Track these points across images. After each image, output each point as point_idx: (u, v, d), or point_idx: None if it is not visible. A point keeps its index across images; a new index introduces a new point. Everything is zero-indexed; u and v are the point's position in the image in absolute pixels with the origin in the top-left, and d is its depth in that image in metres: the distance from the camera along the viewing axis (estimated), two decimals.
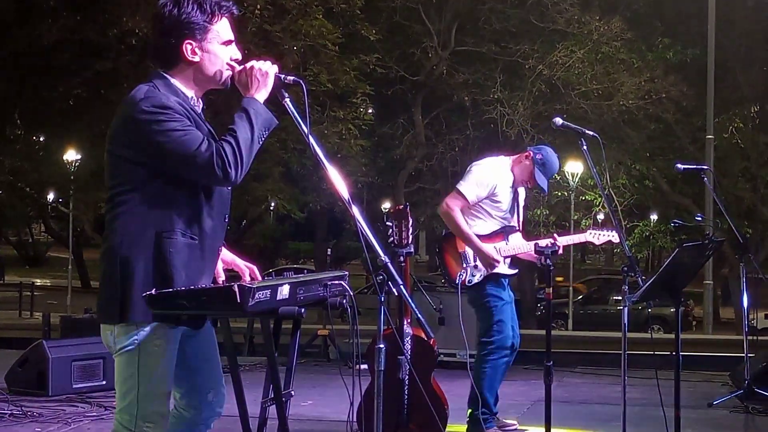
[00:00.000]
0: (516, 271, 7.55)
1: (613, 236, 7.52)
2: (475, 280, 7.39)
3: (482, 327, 7.56)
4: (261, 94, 4.04)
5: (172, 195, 3.95)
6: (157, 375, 4.00)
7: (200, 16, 4.04)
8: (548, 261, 6.51)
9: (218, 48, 4.10)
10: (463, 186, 7.43)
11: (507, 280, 7.54)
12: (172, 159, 3.88)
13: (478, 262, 7.33)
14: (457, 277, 7.32)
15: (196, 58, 4.06)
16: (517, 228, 7.59)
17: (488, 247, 7.28)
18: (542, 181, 7.50)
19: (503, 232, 7.46)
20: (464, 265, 7.33)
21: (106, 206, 4.07)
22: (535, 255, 6.82)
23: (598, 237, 7.61)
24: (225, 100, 4.26)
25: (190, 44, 4.05)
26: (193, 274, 3.97)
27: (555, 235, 7.48)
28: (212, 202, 4.06)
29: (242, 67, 4.03)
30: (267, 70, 4.06)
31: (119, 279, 3.92)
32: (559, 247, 6.91)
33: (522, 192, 7.77)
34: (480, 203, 7.41)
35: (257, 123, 3.95)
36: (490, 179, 7.40)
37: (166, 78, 4.09)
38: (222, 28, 4.11)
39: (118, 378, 4.06)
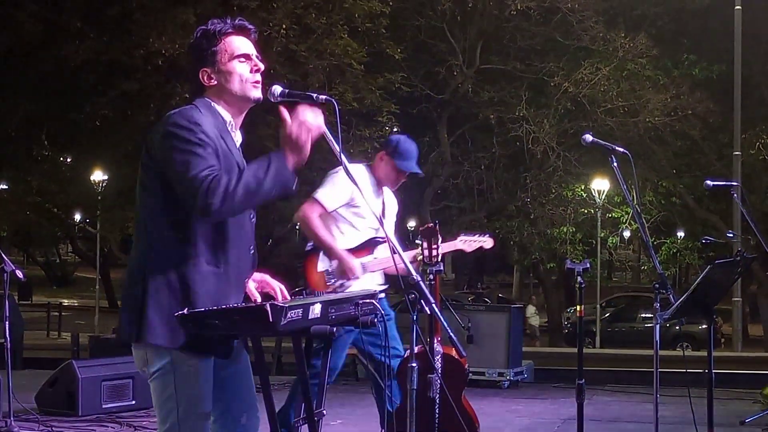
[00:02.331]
0: (386, 286, 6.95)
1: (486, 242, 7.11)
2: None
3: None
4: (294, 156, 3.98)
5: (197, 223, 3.96)
6: (195, 395, 3.99)
7: (205, 43, 4.15)
8: (579, 278, 6.42)
9: (231, 65, 4.14)
10: (320, 192, 6.81)
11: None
12: (173, 170, 3.90)
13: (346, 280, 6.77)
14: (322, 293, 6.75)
15: (214, 82, 4.15)
16: (384, 239, 6.76)
17: (350, 257, 6.66)
18: (408, 166, 6.97)
19: (369, 245, 6.92)
20: (328, 283, 6.77)
21: (135, 226, 4.08)
22: (403, 270, 6.56)
23: (469, 244, 7.05)
24: (248, 118, 4.27)
25: (206, 71, 4.15)
26: (217, 303, 3.96)
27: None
28: (236, 232, 4.07)
29: (293, 120, 3.97)
30: (313, 125, 3.99)
31: (140, 300, 3.93)
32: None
33: (392, 201, 7.20)
34: (341, 214, 6.86)
35: (272, 178, 3.88)
36: (348, 185, 6.74)
37: (207, 100, 4.16)
38: (231, 45, 4.16)
39: (156, 402, 4.05)
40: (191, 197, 3.84)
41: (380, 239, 6.88)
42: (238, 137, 4.24)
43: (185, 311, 3.80)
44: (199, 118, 3.99)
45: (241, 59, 4.16)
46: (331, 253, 6.70)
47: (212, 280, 3.98)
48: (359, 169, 6.99)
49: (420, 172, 7.13)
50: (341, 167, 6.80)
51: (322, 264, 6.79)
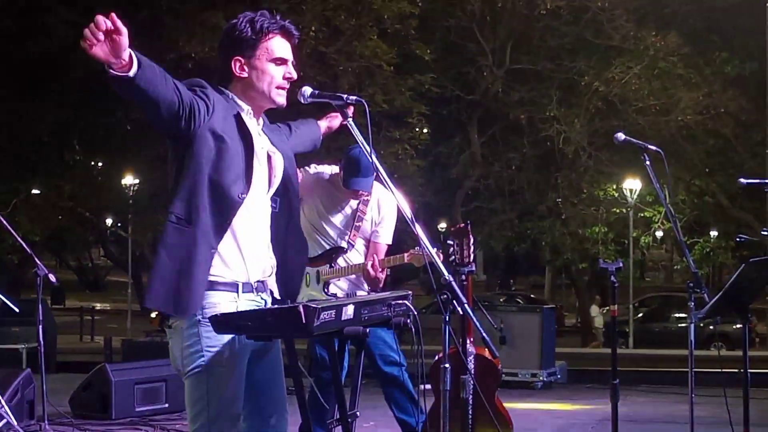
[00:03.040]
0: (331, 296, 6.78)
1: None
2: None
3: None
4: None
5: (203, 210, 3.97)
6: (226, 396, 4.00)
7: (250, 34, 4.11)
8: (612, 277, 6.38)
9: (267, 65, 4.13)
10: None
11: None
12: None
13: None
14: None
15: (244, 74, 4.13)
16: (346, 249, 6.86)
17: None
18: (353, 184, 6.72)
19: (329, 255, 6.85)
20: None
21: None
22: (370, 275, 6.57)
23: (418, 258, 6.58)
24: (278, 120, 4.27)
25: (239, 61, 4.12)
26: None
27: (378, 258, 6.72)
28: (216, 197, 4.03)
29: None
30: None
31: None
32: (373, 279, 6.51)
33: (378, 203, 6.93)
34: (307, 219, 6.80)
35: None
36: (319, 177, 6.90)
37: (226, 93, 4.16)
38: (273, 46, 4.15)
39: (188, 401, 4.06)
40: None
41: (343, 249, 6.84)
42: (259, 121, 4.24)
43: (218, 314, 3.81)
44: (210, 90, 4.03)
45: (278, 62, 4.15)
46: None
47: (177, 237, 3.98)
48: (331, 177, 6.96)
49: (365, 189, 6.81)
50: (314, 166, 6.92)
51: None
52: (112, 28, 3.62)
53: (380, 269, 6.63)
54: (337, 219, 6.87)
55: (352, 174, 6.70)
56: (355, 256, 6.84)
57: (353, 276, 6.83)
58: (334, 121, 5.05)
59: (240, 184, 4.04)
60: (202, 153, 3.96)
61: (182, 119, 3.88)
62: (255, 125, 4.19)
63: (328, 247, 6.83)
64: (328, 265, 6.81)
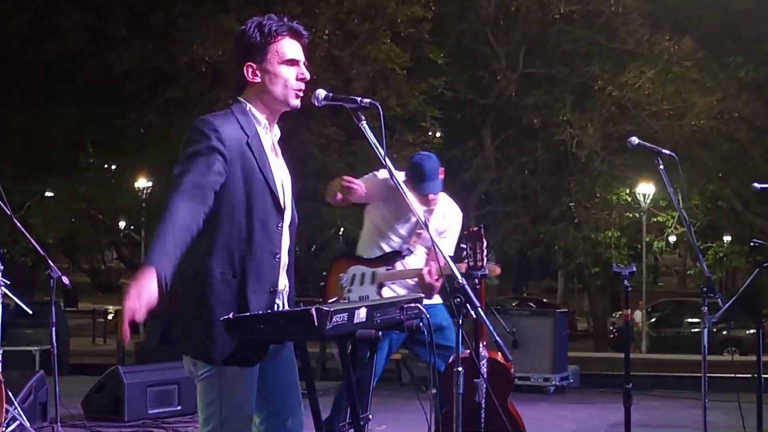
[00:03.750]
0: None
1: (493, 269, 6.83)
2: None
3: None
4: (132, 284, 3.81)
5: (214, 232, 3.98)
6: (238, 399, 4.01)
7: (259, 38, 4.10)
8: (625, 281, 6.37)
9: (279, 68, 4.12)
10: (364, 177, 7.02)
11: None
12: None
13: (352, 287, 6.82)
14: (330, 300, 6.80)
15: (257, 80, 4.12)
16: (405, 254, 6.86)
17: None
18: (423, 188, 6.78)
19: (386, 258, 6.87)
20: (339, 288, 6.86)
21: None
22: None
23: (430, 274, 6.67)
24: (291, 124, 4.26)
25: (251, 66, 4.12)
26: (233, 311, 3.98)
27: (431, 263, 6.71)
28: (259, 240, 4.04)
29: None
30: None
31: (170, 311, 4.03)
32: (428, 286, 6.47)
33: (443, 214, 7.04)
34: (371, 219, 6.99)
35: (153, 241, 3.86)
36: (384, 180, 6.82)
37: (243, 104, 4.15)
38: (283, 48, 4.14)
39: (200, 403, 4.07)
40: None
41: (405, 254, 6.84)
42: (276, 133, 4.25)
43: (231, 316, 3.81)
44: (222, 126, 4.01)
45: (290, 64, 4.15)
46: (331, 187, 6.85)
47: (223, 290, 3.98)
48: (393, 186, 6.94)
49: (434, 191, 6.88)
50: (382, 170, 6.82)
51: (339, 271, 6.91)
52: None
53: (436, 277, 6.62)
54: (402, 226, 6.92)
55: (419, 180, 6.77)
56: (414, 262, 6.85)
57: (412, 283, 6.81)
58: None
59: (273, 216, 4.08)
60: (233, 199, 4.00)
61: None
62: (270, 141, 4.19)
63: (388, 251, 6.86)
64: (384, 267, 6.83)
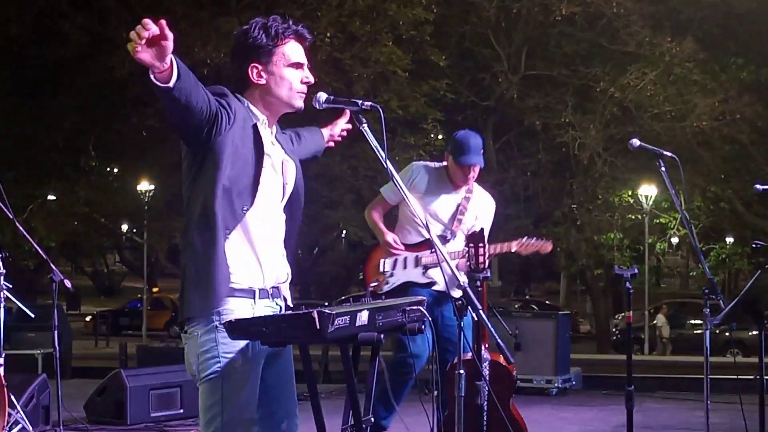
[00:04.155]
0: (429, 281, 7.03)
1: (544, 246, 7.17)
2: (386, 288, 7.03)
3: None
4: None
5: (219, 229, 3.97)
6: (241, 402, 4.00)
7: (266, 40, 4.09)
8: (627, 283, 6.37)
9: (285, 70, 4.12)
10: (384, 186, 7.24)
11: (427, 291, 6.89)
12: None
13: (395, 270, 7.07)
14: (371, 285, 7.04)
15: (262, 81, 4.11)
16: (449, 238, 7.06)
17: (388, 234, 7.03)
18: (465, 160, 7.04)
19: (426, 243, 7.01)
20: (380, 273, 7.06)
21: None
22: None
23: (525, 247, 7.16)
24: (293, 125, 4.27)
25: (256, 67, 4.10)
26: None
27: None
28: (263, 238, 4.07)
29: None
30: None
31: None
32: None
33: (481, 200, 7.32)
34: (407, 214, 7.11)
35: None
36: (412, 175, 7.14)
37: (244, 101, 4.14)
38: (289, 51, 4.13)
39: (202, 406, 4.06)
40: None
41: (446, 239, 7.02)
42: (275, 130, 4.25)
43: (233, 319, 3.81)
44: (232, 100, 4.03)
45: (295, 67, 4.14)
46: (374, 231, 7.09)
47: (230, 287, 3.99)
48: (432, 170, 7.19)
49: (478, 163, 7.13)
50: (414, 164, 7.18)
51: (379, 257, 7.10)
52: (159, 33, 3.60)
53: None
54: (442, 211, 7.08)
55: (462, 152, 7.02)
56: (455, 247, 6.99)
57: (457, 264, 6.79)
58: (335, 128, 5.05)
59: (245, 197, 4.04)
60: (220, 161, 3.96)
61: (207, 127, 3.90)
62: (269, 135, 4.19)
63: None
64: (429, 251, 6.95)
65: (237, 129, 3.99)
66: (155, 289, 49.18)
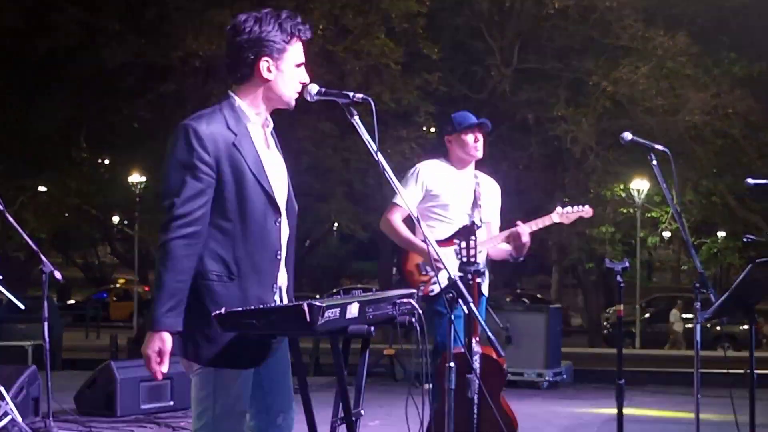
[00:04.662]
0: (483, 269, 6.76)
1: (585, 212, 7.02)
2: (436, 289, 6.73)
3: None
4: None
5: (208, 236, 3.96)
6: (233, 394, 4.00)
7: (280, 36, 4.07)
8: (618, 277, 6.34)
9: (291, 69, 4.12)
10: (396, 196, 6.84)
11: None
12: (164, 178, 4.02)
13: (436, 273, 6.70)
14: (419, 289, 6.67)
15: (271, 76, 4.09)
16: (477, 226, 6.57)
17: (422, 246, 6.66)
18: (467, 120, 7.04)
19: (461, 233, 6.43)
20: (423, 274, 6.83)
21: None
22: (506, 253, 6.75)
23: (566, 216, 6.97)
24: (285, 119, 4.24)
25: (267, 62, 4.07)
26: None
27: (518, 222, 6.81)
28: (255, 240, 4.03)
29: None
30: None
31: None
32: (524, 245, 6.55)
33: (489, 185, 7.29)
34: (426, 211, 6.90)
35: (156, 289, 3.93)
36: (418, 178, 6.94)
37: (232, 99, 4.11)
38: (296, 51, 4.15)
39: (194, 398, 4.06)
40: (163, 210, 3.96)
41: (469, 228, 6.81)
42: (269, 124, 4.24)
43: (222, 311, 3.79)
44: (207, 129, 3.98)
45: (299, 66, 4.16)
46: (413, 249, 6.80)
47: (222, 292, 3.97)
48: (436, 164, 7.08)
49: (483, 123, 7.17)
50: (418, 167, 6.99)
51: (415, 258, 6.87)
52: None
53: (528, 234, 6.73)
54: (463, 200, 6.97)
55: (463, 118, 7.07)
56: (481, 235, 6.75)
57: (500, 248, 6.91)
58: None
59: (270, 212, 4.05)
60: (225, 202, 3.98)
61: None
62: (261, 134, 4.16)
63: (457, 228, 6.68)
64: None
65: (225, 167, 3.99)
66: (121, 281, 49.36)
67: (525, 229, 6.75)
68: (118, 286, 48.32)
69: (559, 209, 7.02)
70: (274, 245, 4.09)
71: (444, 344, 6.71)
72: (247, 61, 4.07)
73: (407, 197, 6.47)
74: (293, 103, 4.18)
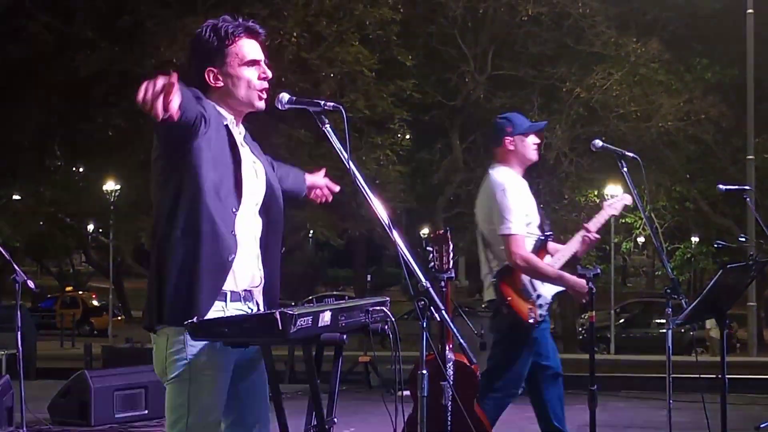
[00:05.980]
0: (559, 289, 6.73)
1: (626, 199, 6.96)
2: (544, 312, 6.58)
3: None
4: None
5: (185, 231, 3.95)
6: (207, 404, 3.98)
7: (216, 42, 4.07)
8: (590, 283, 6.38)
9: (240, 70, 4.10)
10: (513, 226, 6.46)
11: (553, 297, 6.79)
12: None
13: (541, 291, 6.56)
14: (529, 317, 6.48)
15: (220, 84, 4.09)
16: (548, 235, 6.80)
17: (574, 278, 6.51)
18: (532, 124, 6.84)
19: (541, 247, 6.68)
20: (530, 299, 6.53)
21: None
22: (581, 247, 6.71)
23: (614, 207, 6.90)
24: (260, 126, 4.23)
25: (212, 71, 4.08)
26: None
27: (585, 225, 6.73)
28: (212, 211, 3.99)
29: None
30: None
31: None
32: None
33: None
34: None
35: None
36: (519, 198, 6.63)
37: (211, 104, 4.10)
38: (243, 49, 4.11)
39: (168, 406, 4.04)
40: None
41: (546, 236, 6.74)
42: (241, 131, 4.22)
43: (195, 320, 3.79)
44: (206, 102, 4.01)
45: (251, 65, 4.12)
46: (562, 283, 6.59)
47: (181, 249, 3.95)
48: (510, 174, 6.67)
49: (546, 123, 7.16)
50: (507, 178, 6.56)
51: (521, 279, 6.55)
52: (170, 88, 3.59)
53: (595, 234, 6.72)
54: (536, 210, 6.84)
55: (523, 120, 6.78)
56: (553, 244, 6.82)
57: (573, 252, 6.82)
58: (318, 179, 5.05)
59: (232, 199, 4.03)
60: (200, 165, 3.93)
61: (191, 131, 3.87)
62: (239, 135, 4.17)
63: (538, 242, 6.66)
64: (548, 255, 6.70)
65: (212, 132, 3.96)
66: (68, 288, 49.18)
67: (592, 227, 6.73)
68: (65, 293, 47.97)
69: (606, 202, 6.98)
70: (230, 227, 4.04)
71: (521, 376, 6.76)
72: (197, 75, 4.09)
73: (515, 219, 6.45)
74: (257, 103, 4.16)
